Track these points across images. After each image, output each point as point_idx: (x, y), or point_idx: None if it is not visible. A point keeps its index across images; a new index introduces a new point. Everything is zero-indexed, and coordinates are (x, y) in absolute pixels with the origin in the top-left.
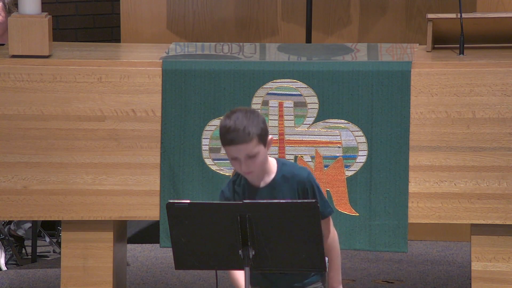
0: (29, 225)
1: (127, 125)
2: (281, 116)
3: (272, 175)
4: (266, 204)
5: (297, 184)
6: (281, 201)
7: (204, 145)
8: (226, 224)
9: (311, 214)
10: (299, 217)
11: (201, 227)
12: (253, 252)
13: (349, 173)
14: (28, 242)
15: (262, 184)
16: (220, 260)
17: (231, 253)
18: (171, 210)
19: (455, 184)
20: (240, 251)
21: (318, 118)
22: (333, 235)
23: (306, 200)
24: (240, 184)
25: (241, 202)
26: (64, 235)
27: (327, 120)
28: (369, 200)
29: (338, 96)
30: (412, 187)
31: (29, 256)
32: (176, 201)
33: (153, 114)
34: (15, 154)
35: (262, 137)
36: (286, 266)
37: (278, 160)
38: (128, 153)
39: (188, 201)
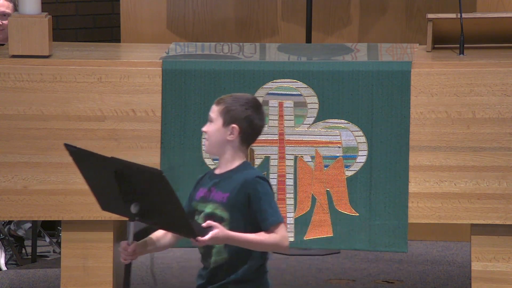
0: (29, 225)
1: (127, 125)
2: (281, 116)
3: (230, 168)
4: (124, 162)
5: (242, 183)
6: (133, 162)
7: (204, 145)
8: (108, 177)
9: (156, 181)
10: (152, 183)
11: (93, 175)
12: (137, 207)
13: (349, 173)
14: (28, 242)
15: (218, 172)
16: (116, 209)
17: (120, 206)
18: (68, 150)
19: (455, 184)
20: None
21: (318, 118)
22: (279, 236)
23: (151, 168)
24: (211, 171)
25: (109, 157)
26: (64, 235)
27: (327, 120)
28: (369, 200)
29: (338, 96)
30: (412, 187)
31: (29, 256)
32: (69, 143)
33: (153, 114)
34: (15, 154)
35: (226, 115)
36: (167, 226)
37: (246, 162)
38: (128, 153)
39: (78, 146)
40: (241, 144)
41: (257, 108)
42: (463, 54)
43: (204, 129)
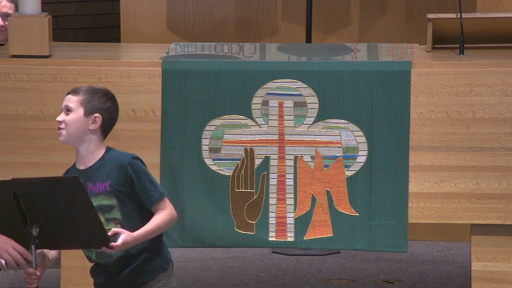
0: None
1: (127, 125)
2: (281, 116)
3: (98, 158)
4: (32, 180)
5: (118, 168)
6: (45, 177)
7: (204, 145)
8: (6, 202)
9: (74, 189)
10: (64, 193)
11: None
12: (37, 230)
13: (349, 173)
14: None
15: (87, 166)
16: (13, 237)
17: (19, 231)
18: None
19: (455, 184)
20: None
21: (318, 118)
22: (169, 211)
23: (67, 176)
24: (70, 170)
25: (9, 180)
26: None
27: (327, 120)
28: (369, 200)
29: (338, 96)
30: (412, 187)
31: None
32: None
33: (153, 114)
34: (15, 154)
35: (88, 104)
36: (72, 243)
37: (108, 147)
38: None
39: None
40: (101, 135)
41: (114, 99)
42: (463, 54)
43: (59, 118)
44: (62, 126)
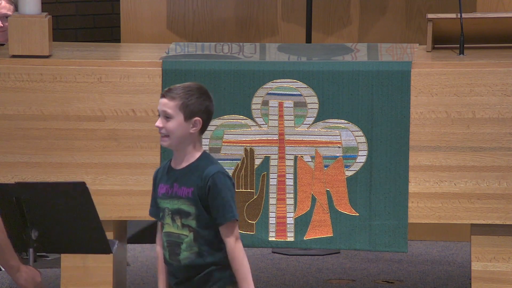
0: None
1: (127, 125)
2: (281, 116)
3: (191, 161)
4: (36, 185)
5: (203, 177)
6: (50, 181)
7: (204, 145)
8: (8, 205)
9: (80, 195)
10: (69, 198)
11: None
12: (36, 233)
13: (349, 173)
14: None
15: (179, 167)
16: (12, 239)
17: (19, 233)
18: None
19: (455, 184)
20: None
21: (318, 118)
22: (231, 246)
23: (73, 181)
24: (166, 166)
25: (13, 183)
26: None
27: (327, 120)
28: (369, 200)
29: (338, 96)
30: (412, 187)
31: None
32: None
33: (153, 114)
34: (15, 154)
35: (186, 109)
36: (71, 248)
37: (205, 152)
38: (128, 153)
39: None
40: (199, 135)
41: (208, 95)
42: (463, 54)
43: (159, 124)
44: (163, 132)
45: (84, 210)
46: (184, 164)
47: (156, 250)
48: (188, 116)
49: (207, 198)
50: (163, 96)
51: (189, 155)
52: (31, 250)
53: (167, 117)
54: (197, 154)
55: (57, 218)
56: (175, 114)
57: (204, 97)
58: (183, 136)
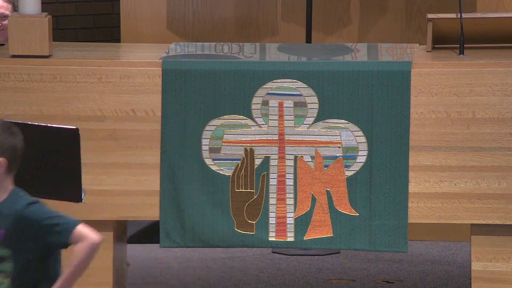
0: None
1: (127, 125)
2: (281, 116)
3: (3, 197)
4: (27, 126)
5: (16, 217)
6: (42, 124)
7: (204, 145)
8: None
9: (70, 141)
10: (58, 143)
11: None
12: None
13: (349, 173)
14: None
15: None
16: None
17: None
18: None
19: (455, 184)
20: None
21: (318, 118)
22: (87, 241)
23: (67, 127)
24: None
25: (5, 120)
26: None
27: (327, 120)
28: (369, 200)
29: (338, 96)
30: (412, 187)
31: None
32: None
33: (153, 114)
34: None
35: None
36: (42, 191)
37: (14, 190)
38: (128, 153)
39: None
40: (6, 174)
41: (11, 130)
42: (463, 54)
43: None
44: None
45: (70, 156)
46: None
47: None
48: None
49: (35, 234)
50: None
51: (2, 190)
52: None
53: None
54: (4, 195)
55: (39, 159)
56: None
57: (7, 134)
58: None
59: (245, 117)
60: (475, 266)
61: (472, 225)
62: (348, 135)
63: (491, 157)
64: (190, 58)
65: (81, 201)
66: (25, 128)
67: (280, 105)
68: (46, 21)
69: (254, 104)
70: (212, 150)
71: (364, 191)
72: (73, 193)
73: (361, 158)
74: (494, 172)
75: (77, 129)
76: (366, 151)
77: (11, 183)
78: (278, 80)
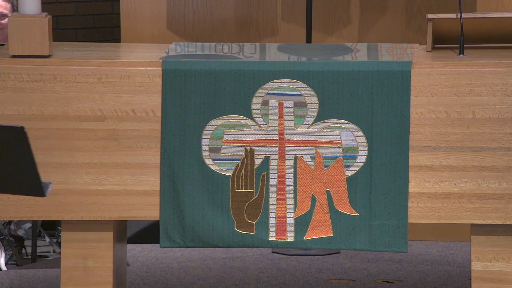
0: (29, 225)
1: (127, 125)
2: (281, 116)
3: None
4: None
5: None
6: None
7: (204, 145)
8: None
9: (17, 140)
10: (6, 142)
11: None
12: None
13: (349, 173)
14: (28, 242)
15: None
16: None
17: None
18: None
19: (455, 184)
20: None
21: (318, 118)
22: None
23: (12, 125)
24: None
25: None
26: (64, 235)
27: (327, 120)
28: (369, 200)
29: (338, 96)
30: (412, 187)
31: (29, 256)
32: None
33: (153, 114)
34: None
35: None
36: (6, 189)
37: None
38: (128, 153)
39: None
40: None
41: None
42: (463, 54)
43: None
44: None
45: (20, 153)
46: None
47: None
48: None
49: None
50: None
51: None
52: None
53: None
54: None
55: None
56: None
57: None
58: None
59: (245, 117)
60: (475, 266)
61: (472, 225)
62: (348, 135)
63: (491, 157)
64: (190, 58)
65: (45, 196)
66: None
67: (280, 105)
68: (46, 21)
69: (254, 104)
70: (212, 150)
71: (364, 191)
72: (34, 188)
73: (361, 158)
74: (494, 172)
75: (22, 127)
76: (366, 151)
77: None
78: (278, 80)
